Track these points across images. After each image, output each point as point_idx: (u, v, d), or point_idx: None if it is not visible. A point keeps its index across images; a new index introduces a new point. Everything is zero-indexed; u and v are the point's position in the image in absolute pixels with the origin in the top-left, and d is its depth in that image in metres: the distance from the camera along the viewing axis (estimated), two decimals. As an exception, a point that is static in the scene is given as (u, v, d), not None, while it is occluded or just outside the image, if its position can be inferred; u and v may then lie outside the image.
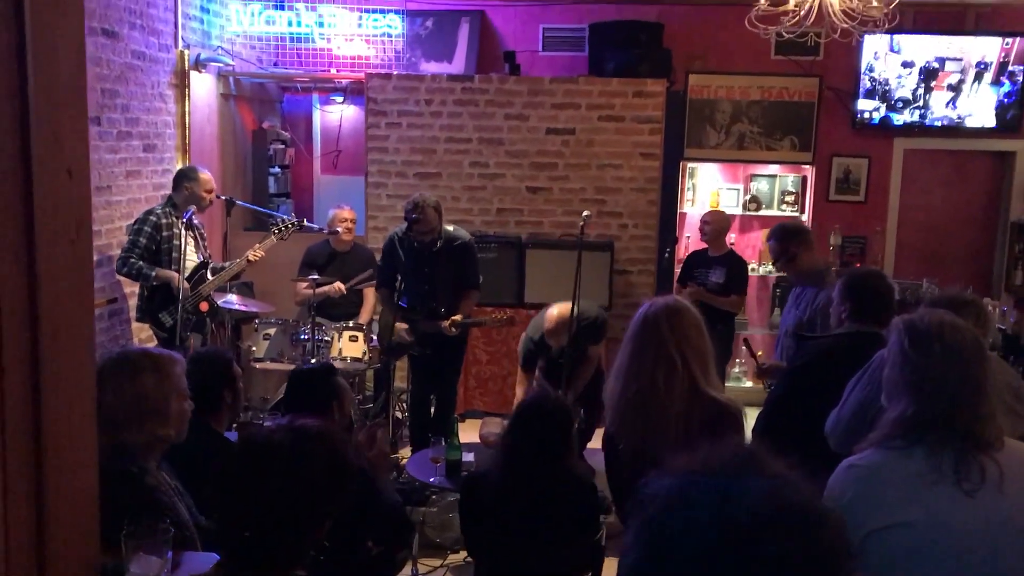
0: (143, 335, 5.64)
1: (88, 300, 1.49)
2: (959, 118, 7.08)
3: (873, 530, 2.07)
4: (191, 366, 3.05)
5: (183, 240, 5.06)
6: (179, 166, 6.07)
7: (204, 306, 5.22)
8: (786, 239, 4.41)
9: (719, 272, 6.00)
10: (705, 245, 6.24)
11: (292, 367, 5.46)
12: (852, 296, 3.26)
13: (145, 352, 2.47)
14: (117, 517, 1.99)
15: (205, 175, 5.37)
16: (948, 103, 7.06)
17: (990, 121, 7.07)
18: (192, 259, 5.22)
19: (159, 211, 5.22)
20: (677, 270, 6.60)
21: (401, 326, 5.12)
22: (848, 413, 2.81)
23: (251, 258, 5.32)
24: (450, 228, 5.13)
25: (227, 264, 5.46)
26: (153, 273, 5.08)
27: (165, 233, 5.18)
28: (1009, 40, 6.95)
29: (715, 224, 6.14)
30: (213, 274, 5.30)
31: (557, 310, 4.85)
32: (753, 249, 7.59)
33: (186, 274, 5.06)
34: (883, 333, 2.57)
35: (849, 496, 2.11)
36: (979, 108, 7.05)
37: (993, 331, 3.90)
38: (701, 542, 0.97)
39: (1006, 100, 7.03)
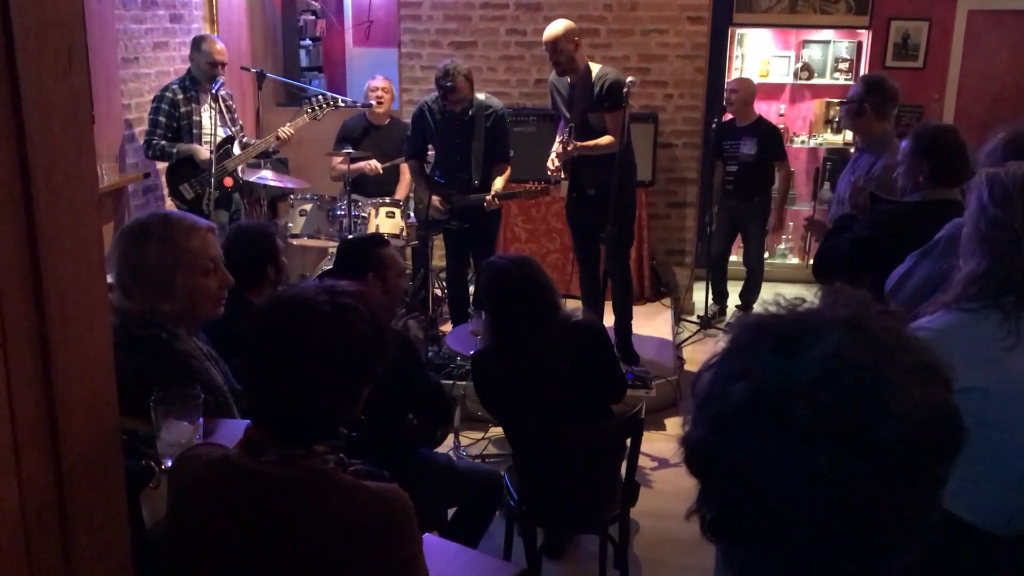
0: (179, 212, 5.58)
1: (88, 136, 1.30)
2: (1031, -26, 6.58)
3: (941, 396, 1.94)
4: (232, 240, 2.96)
5: (207, 114, 4.91)
6: (207, 37, 5.86)
7: (228, 181, 5.09)
8: (869, 90, 3.98)
9: (750, 143, 5.78)
10: (731, 116, 5.93)
11: (331, 243, 5.41)
12: (928, 154, 2.88)
13: (168, 216, 2.27)
14: (148, 382, 1.92)
15: (210, 46, 5.04)
16: (1020, -42, 6.56)
17: (1065, -23, 6.57)
18: (219, 133, 5.07)
19: (175, 87, 5.04)
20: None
21: (435, 200, 4.97)
22: (912, 286, 2.60)
23: (281, 135, 5.16)
24: (481, 96, 4.93)
25: (256, 140, 5.31)
26: (175, 150, 4.97)
27: (183, 109, 5.02)
28: None
29: (743, 92, 5.87)
30: (241, 149, 5.15)
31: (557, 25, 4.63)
32: (804, 121, 7.27)
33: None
34: (961, 201, 2.36)
35: (916, 361, 1.97)
36: (1054, -37, 6.55)
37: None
38: (751, 393, 0.85)
39: (1084, -47, 6.51)
